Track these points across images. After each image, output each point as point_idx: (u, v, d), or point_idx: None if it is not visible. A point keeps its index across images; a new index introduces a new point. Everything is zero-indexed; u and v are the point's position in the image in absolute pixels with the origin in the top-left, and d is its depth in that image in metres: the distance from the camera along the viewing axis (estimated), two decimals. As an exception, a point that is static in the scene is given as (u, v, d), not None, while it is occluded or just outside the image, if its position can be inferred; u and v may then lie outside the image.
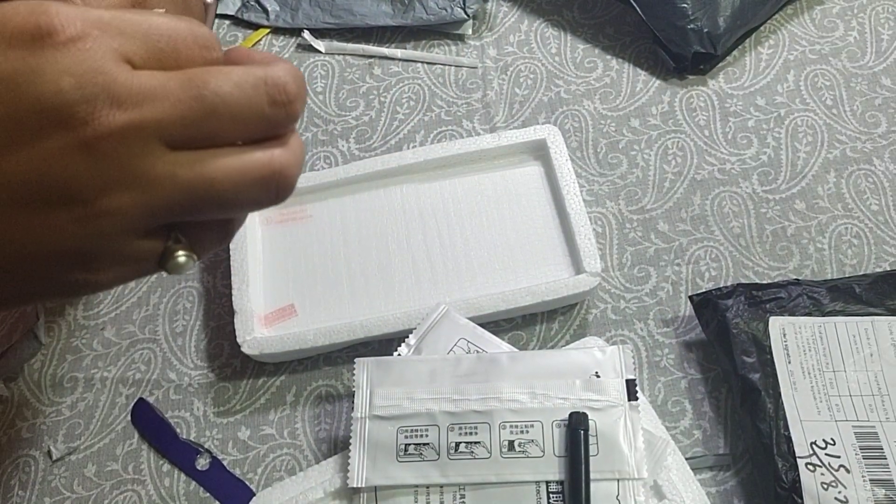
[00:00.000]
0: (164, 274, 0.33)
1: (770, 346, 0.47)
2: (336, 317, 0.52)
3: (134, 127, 0.26)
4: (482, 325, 0.49)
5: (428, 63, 0.65)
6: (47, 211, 0.27)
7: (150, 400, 0.52)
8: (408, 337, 0.49)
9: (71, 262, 0.28)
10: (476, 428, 0.44)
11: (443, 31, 0.66)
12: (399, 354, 0.48)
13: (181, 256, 0.30)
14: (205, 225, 0.31)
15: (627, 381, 0.45)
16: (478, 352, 0.47)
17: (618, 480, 0.43)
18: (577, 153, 0.59)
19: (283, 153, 0.29)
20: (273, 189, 0.29)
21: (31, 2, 0.27)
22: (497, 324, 0.53)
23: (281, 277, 0.54)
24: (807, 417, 0.45)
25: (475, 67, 0.64)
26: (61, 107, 0.26)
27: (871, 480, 0.43)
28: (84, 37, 0.27)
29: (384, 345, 0.52)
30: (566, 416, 0.44)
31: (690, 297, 0.51)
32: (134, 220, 0.28)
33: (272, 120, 0.29)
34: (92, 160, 0.26)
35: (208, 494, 0.49)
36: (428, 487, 0.44)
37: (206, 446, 0.51)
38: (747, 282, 0.52)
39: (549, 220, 0.55)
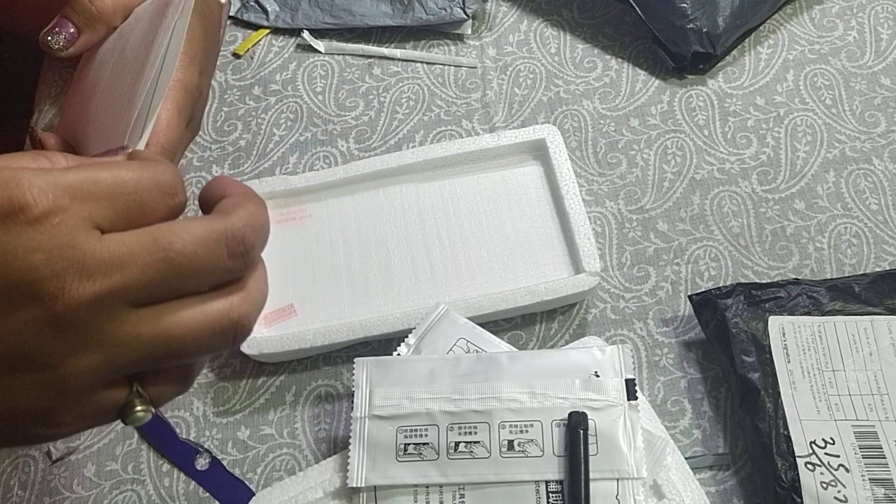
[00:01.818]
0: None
1: (769, 346, 0.47)
2: (335, 317, 0.52)
3: (102, 296, 0.28)
4: (482, 325, 0.49)
5: (427, 63, 0.65)
6: (13, 375, 0.28)
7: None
8: (407, 337, 0.49)
9: (33, 419, 0.30)
10: (475, 427, 0.44)
11: (442, 31, 0.66)
12: (398, 354, 0.48)
13: (140, 412, 0.31)
14: (165, 374, 0.32)
15: (627, 380, 0.45)
16: (477, 351, 0.47)
17: (617, 480, 0.43)
18: (577, 153, 0.59)
19: (242, 302, 0.31)
20: (231, 337, 0.31)
21: (4, 174, 0.28)
22: (496, 323, 0.53)
23: (280, 277, 0.54)
24: (806, 417, 0.45)
25: (474, 67, 0.64)
26: (32, 283, 0.27)
27: (870, 480, 0.43)
28: (55, 210, 0.28)
29: (383, 345, 0.52)
30: (565, 415, 0.44)
31: (690, 297, 0.51)
32: (97, 378, 0.29)
33: (231, 270, 0.30)
34: (60, 330, 0.28)
35: (208, 494, 0.49)
36: (427, 487, 0.44)
37: (205, 446, 0.51)
38: (747, 281, 0.52)
39: (549, 219, 0.55)
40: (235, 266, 0.31)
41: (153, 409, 0.32)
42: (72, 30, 0.48)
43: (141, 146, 0.37)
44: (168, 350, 0.30)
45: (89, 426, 0.32)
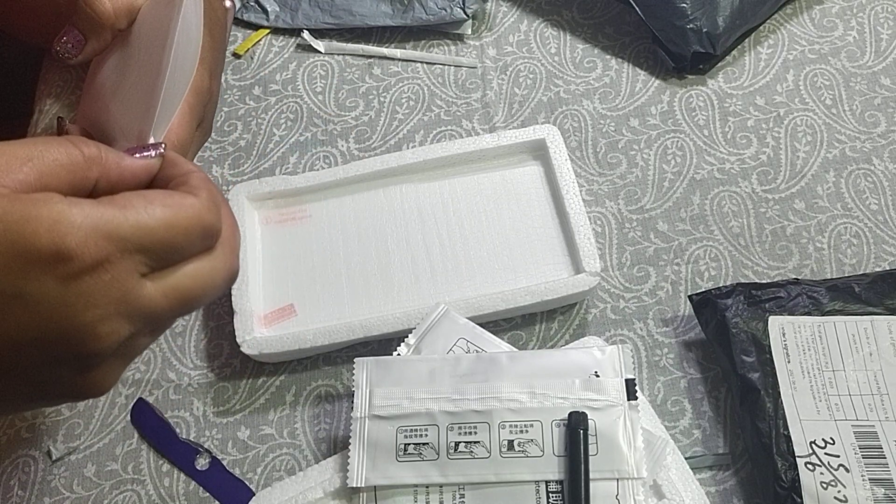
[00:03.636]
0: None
1: (769, 346, 0.47)
2: (335, 317, 0.52)
3: (144, 346, 0.32)
4: (482, 325, 0.49)
5: (427, 63, 0.65)
6: (46, 394, 0.33)
7: (150, 400, 0.52)
8: (407, 337, 0.49)
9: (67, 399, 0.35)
10: (475, 427, 0.44)
11: (442, 31, 0.66)
12: (398, 354, 0.48)
13: None
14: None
15: (627, 380, 0.45)
16: (477, 351, 0.47)
17: (617, 480, 0.43)
18: (577, 153, 0.59)
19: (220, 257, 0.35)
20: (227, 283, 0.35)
21: (49, 217, 0.29)
22: (496, 323, 0.53)
23: (280, 277, 0.54)
24: (806, 417, 0.45)
25: (474, 67, 0.64)
26: (84, 337, 0.30)
27: (870, 480, 0.43)
28: (103, 263, 0.30)
29: (383, 345, 0.52)
30: (565, 415, 0.44)
31: (690, 297, 0.51)
32: (123, 371, 0.34)
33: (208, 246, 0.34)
34: (102, 372, 0.32)
35: (208, 494, 0.49)
36: (427, 487, 0.44)
37: (205, 446, 0.51)
38: (747, 281, 0.52)
39: (549, 219, 0.55)
40: (212, 243, 0.34)
41: None
42: (79, 37, 0.48)
43: (160, 138, 0.38)
44: (185, 308, 0.33)
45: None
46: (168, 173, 0.35)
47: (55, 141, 0.32)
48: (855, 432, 0.44)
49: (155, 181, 0.35)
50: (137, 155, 0.35)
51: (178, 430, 0.51)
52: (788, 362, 0.47)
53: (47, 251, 0.29)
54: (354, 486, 0.44)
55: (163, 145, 0.36)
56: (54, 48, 0.49)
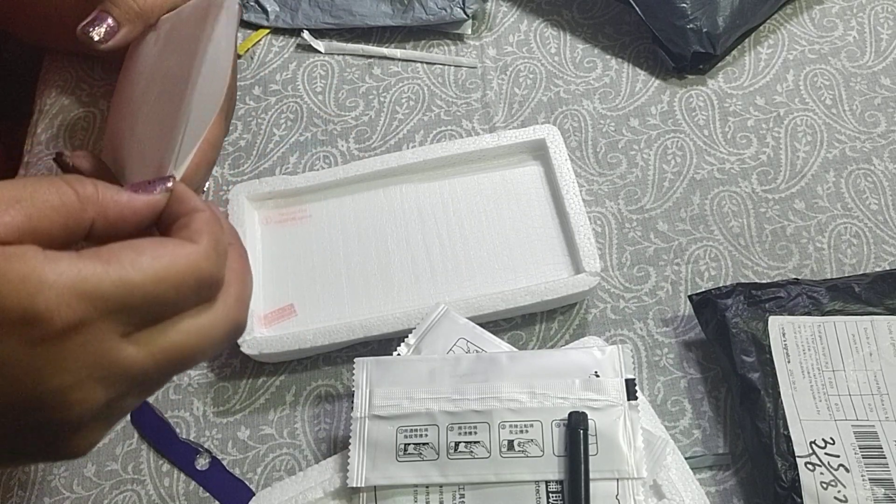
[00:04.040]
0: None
1: (769, 346, 0.47)
2: (335, 317, 0.52)
3: (132, 406, 0.30)
4: (482, 325, 0.49)
5: (427, 63, 0.65)
6: (25, 456, 0.31)
7: (150, 400, 0.52)
8: (407, 337, 0.49)
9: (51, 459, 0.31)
10: (475, 428, 0.44)
11: (442, 31, 0.66)
12: (398, 354, 0.48)
13: None
14: None
15: (627, 380, 0.45)
16: (477, 351, 0.47)
17: (617, 480, 0.43)
18: (577, 153, 0.59)
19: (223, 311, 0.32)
20: (231, 337, 0.33)
21: (19, 275, 0.26)
22: (496, 323, 0.53)
23: (280, 277, 0.54)
24: (806, 417, 0.45)
25: (474, 67, 0.64)
26: (56, 407, 0.27)
27: (870, 480, 0.43)
28: (76, 326, 0.27)
29: (383, 345, 0.52)
30: (565, 415, 0.44)
31: (690, 297, 0.51)
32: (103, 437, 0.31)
33: (207, 297, 0.32)
34: (80, 437, 0.29)
35: (208, 494, 0.49)
36: (427, 487, 0.44)
37: (205, 446, 0.51)
38: (747, 281, 0.52)
39: (549, 219, 0.55)
40: (211, 295, 0.31)
41: None
42: (111, 23, 0.47)
43: (179, 174, 0.36)
44: (178, 367, 0.31)
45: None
46: (174, 210, 0.33)
47: (46, 181, 0.29)
48: (855, 432, 0.44)
49: (161, 218, 0.33)
50: (142, 191, 0.32)
51: (178, 430, 0.51)
52: (788, 362, 0.47)
53: (14, 313, 0.26)
54: (354, 486, 0.44)
55: (171, 180, 0.33)
56: (83, 30, 0.47)
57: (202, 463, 0.50)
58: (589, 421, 0.43)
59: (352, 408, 0.46)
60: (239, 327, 0.33)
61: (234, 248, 0.34)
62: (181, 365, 0.31)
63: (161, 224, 0.33)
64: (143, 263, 0.29)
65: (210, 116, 0.39)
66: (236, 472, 0.50)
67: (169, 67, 0.42)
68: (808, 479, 0.43)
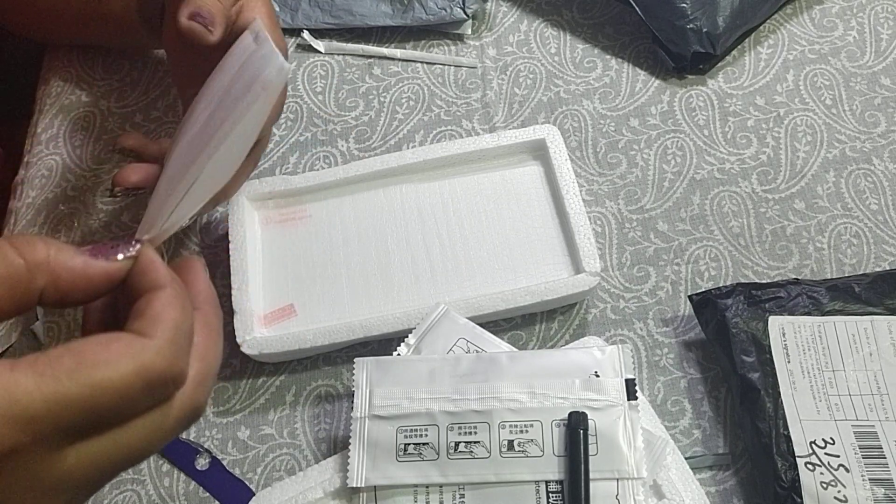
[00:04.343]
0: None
1: (769, 346, 0.47)
2: (335, 317, 0.52)
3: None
4: (482, 325, 0.49)
5: (427, 63, 0.65)
6: None
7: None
8: (407, 337, 0.49)
9: None
10: (475, 428, 0.44)
11: (442, 31, 0.66)
12: (398, 354, 0.48)
13: None
14: None
15: (627, 380, 0.45)
16: (477, 351, 0.47)
17: (617, 480, 0.43)
18: (577, 153, 0.59)
19: (180, 404, 0.29)
20: (190, 421, 0.30)
21: None
22: (496, 323, 0.53)
23: (280, 277, 0.54)
24: (806, 417, 0.45)
25: (474, 67, 0.64)
26: None
27: (870, 480, 0.43)
28: (11, 454, 0.25)
29: (383, 345, 0.52)
30: (566, 415, 0.44)
31: (690, 297, 0.51)
32: None
33: (164, 396, 0.29)
34: None
35: (208, 494, 0.49)
36: (427, 487, 0.44)
37: (205, 446, 0.51)
38: (747, 281, 0.52)
39: (549, 219, 0.55)
40: (166, 393, 0.29)
41: None
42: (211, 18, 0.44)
43: (158, 235, 0.33)
44: (125, 466, 0.29)
45: None
46: (135, 283, 0.30)
47: None
48: (855, 432, 0.44)
49: (125, 288, 0.30)
50: (101, 256, 0.30)
51: (178, 430, 0.51)
52: (788, 362, 0.47)
53: None
54: (354, 486, 0.44)
55: (136, 245, 0.30)
56: (192, 19, 0.44)
57: (202, 463, 0.50)
58: (589, 421, 0.43)
59: (352, 408, 0.46)
60: (196, 411, 0.30)
61: (200, 316, 0.31)
62: (128, 464, 0.29)
63: (123, 293, 0.31)
64: (82, 374, 0.26)
65: (217, 186, 0.37)
66: (236, 472, 0.50)
67: (202, 114, 0.38)
68: (808, 479, 0.43)
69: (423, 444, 0.44)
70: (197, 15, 0.44)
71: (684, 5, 0.60)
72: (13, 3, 0.62)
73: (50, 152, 0.62)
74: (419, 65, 0.65)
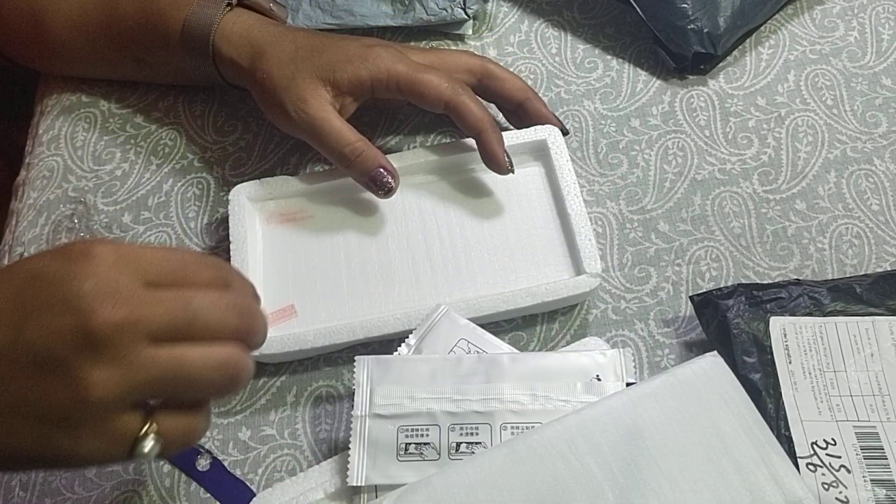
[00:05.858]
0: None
1: (771, 347, 0.47)
2: (336, 317, 0.52)
3: (129, 323, 0.33)
4: (482, 326, 0.49)
5: (428, 63, 0.65)
6: (43, 376, 0.33)
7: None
8: (408, 337, 0.49)
9: (58, 425, 0.34)
10: (477, 428, 0.44)
11: (443, 31, 0.66)
12: (399, 354, 0.48)
13: (150, 444, 0.35)
14: (178, 411, 0.37)
15: (628, 384, 0.45)
16: (478, 352, 0.47)
17: (618, 481, 0.43)
18: (578, 153, 0.59)
19: (239, 353, 0.37)
20: (229, 375, 0.36)
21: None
22: (497, 324, 0.53)
23: (281, 278, 0.54)
24: (807, 417, 0.45)
25: (475, 68, 0.64)
26: (77, 300, 0.33)
27: (871, 480, 0.43)
28: (108, 254, 0.34)
29: (384, 345, 0.52)
30: (567, 416, 0.44)
31: (691, 298, 0.51)
32: (115, 395, 0.33)
33: (237, 331, 0.37)
34: (89, 343, 0.33)
35: (209, 495, 0.49)
36: (428, 488, 0.44)
37: (206, 447, 0.51)
38: (748, 282, 0.52)
39: (550, 220, 0.55)
40: (240, 329, 0.37)
41: (162, 445, 0.36)
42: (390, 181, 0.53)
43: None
44: (178, 377, 0.35)
45: (104, 456, 0.35)
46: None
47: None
48: (856, 433, 0.44)
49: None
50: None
51: (178, 431, 0.51)
52: (790, 363, 0.47)
53: (70, 247, 0.36)
54: (354, 484, 0.44)
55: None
56: (371, 182, 0.54)
57: (203, 464, 0.50)
58: (590, 422, 0.43)
59: (352, 407, 0.46)
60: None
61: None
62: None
63: None
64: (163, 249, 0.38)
65: None
66: (237, 472, 0.50)
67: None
68: (810, 480, 0.43)
69: (425, 443, 0.44)
70: (385, 171, 0.53)
71: (685, 6, 0.60)
72: (8, 35, 0.62)
73: (51, 153, 0.62)
74: (420, 65, 0.65)
